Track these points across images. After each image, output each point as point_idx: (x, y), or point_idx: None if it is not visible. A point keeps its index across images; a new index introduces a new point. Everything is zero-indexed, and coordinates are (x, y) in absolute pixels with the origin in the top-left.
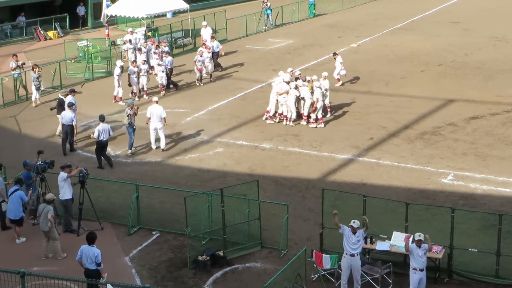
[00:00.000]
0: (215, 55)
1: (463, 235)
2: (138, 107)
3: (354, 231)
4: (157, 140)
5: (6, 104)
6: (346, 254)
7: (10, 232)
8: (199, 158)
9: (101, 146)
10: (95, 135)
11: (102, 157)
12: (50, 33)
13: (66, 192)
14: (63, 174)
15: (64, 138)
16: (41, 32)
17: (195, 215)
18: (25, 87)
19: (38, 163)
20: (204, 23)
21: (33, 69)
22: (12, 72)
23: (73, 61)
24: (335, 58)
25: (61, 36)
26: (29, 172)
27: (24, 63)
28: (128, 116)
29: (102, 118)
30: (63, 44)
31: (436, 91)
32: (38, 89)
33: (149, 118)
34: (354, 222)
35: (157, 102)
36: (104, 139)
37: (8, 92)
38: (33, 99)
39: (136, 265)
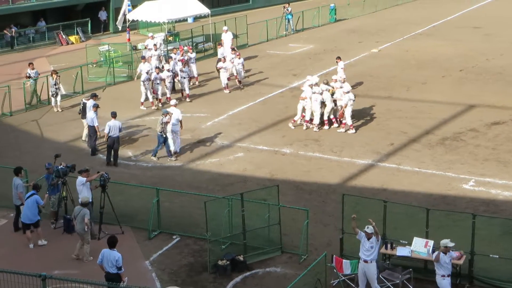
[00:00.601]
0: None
1: (484, 241)
2: (171, 115)
3: (368, 236)
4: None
5: (28, 108)
6: (361, 259)
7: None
8: (219, 163)
9: (111, 142)
10: (106, 130)
11: (111, 153)
12: (72, 38)
13: (85, 196)
14: (81, 179)
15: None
16: (63, 36)
17: (215, 220)
18: (38, 95)
19: (60, 166)
20: (225, 28)
21: (51, 75)
22: (28, 80)
23: (94, 65)
24: (337, 62)
25: (83, 41)
26: (50, 174)
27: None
28: (162, 124)
29: (113, 115)
30: (84, 49)
31: (457, 96)
32: (54, 95)
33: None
34: (368, 227)
35: (175, 105)
36: (114, 135)
37: (29, 96)
38: (53, 104)
39: (156, 269)
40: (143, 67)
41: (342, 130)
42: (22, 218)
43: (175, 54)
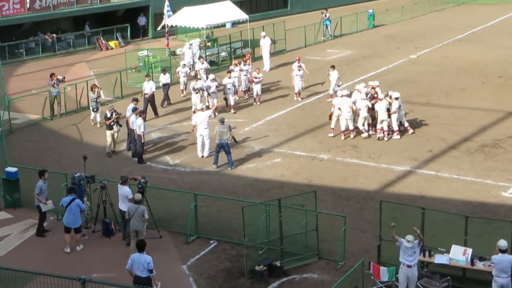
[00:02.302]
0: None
1: None
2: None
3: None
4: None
5: (68, 112)
6: (403, 265)
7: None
8: (257, 168)
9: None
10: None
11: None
12: (112, 43)
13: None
14: (126, 189)
15: (128, 143)
16: (103, 42)
17: (252, 225)
18: (59, 103)
19: (77, 174)
20: (263, 33)
21: (92, 89)
22: (51, 89)
23: (133, 70)
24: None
25: (122, 46)
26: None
27: (64, 78)
28: (230, 130)
29: (134, 110)
30: (124, 54)
31: (496, 103)
32: (95, 110)
33: (195, 126)
34: (409, 241)
35: (203, 109)
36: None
37: (70, 101)
38: (92, 117)
39: (193, 273)
40: (200, 84)
41: (398, 136)
42: (64, 222)
43: (235, 66)
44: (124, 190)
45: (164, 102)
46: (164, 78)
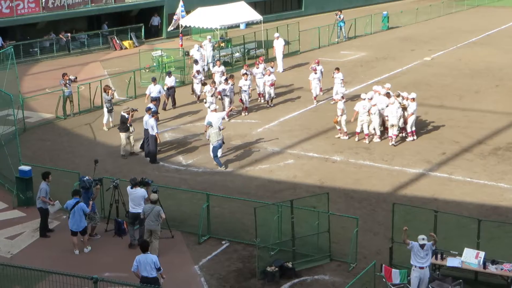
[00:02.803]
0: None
1: None
2: None
3: (423, 246)
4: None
5: (81, 111)
6: (415, 267)
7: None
8: (269, 169)
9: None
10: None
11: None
12: (126, 43)
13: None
14: (142, 191)
15: (143, 143)
16: (117, 41)
17: (264, 226)
18: (72, 102)
19: (86, 178)
20: (277, 34)
21: (105, 91)
22: (63, 88)
23: (147, 70)
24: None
25: (136, 46)
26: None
27: (76, 78)
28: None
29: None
30: (138, 54)
31: (510, 106)
32: (110, 111)
33: (208, 127)
34: (423, 239)
35: (215, 110)
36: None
37: (84, 101)
38: (104, 121)
39: (205, 274)
40: (223, 86)
41: (411, 138)
42: (69, 225)
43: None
44: (139, 192)
45: (167, 105)
46: (170, 81)
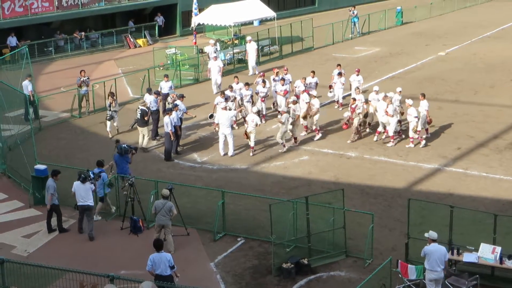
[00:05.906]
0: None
1: None
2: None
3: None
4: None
5: (96, 110)
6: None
7: (98, 236)
8: (284, 166)
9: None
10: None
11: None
12: (140, 41)
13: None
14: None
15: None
16: (131, 40)
17: (280, 223)
18: (88, 101)
19: (124, 145)
20: (249, 37)
21: (108, 97)
22: (79, 88)
23: (161, 68)
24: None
25: (150, 44)
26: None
27: (88, 78)
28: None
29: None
30: (152, 52)
31: None
32: (110, 119)
33: (217, 124)
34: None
35: (226, 108)
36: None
37: (98, 98)
38: (108, 129)
39: (221, 271)
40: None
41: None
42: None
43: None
44: (87, 186)
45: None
46: (167, 86)
